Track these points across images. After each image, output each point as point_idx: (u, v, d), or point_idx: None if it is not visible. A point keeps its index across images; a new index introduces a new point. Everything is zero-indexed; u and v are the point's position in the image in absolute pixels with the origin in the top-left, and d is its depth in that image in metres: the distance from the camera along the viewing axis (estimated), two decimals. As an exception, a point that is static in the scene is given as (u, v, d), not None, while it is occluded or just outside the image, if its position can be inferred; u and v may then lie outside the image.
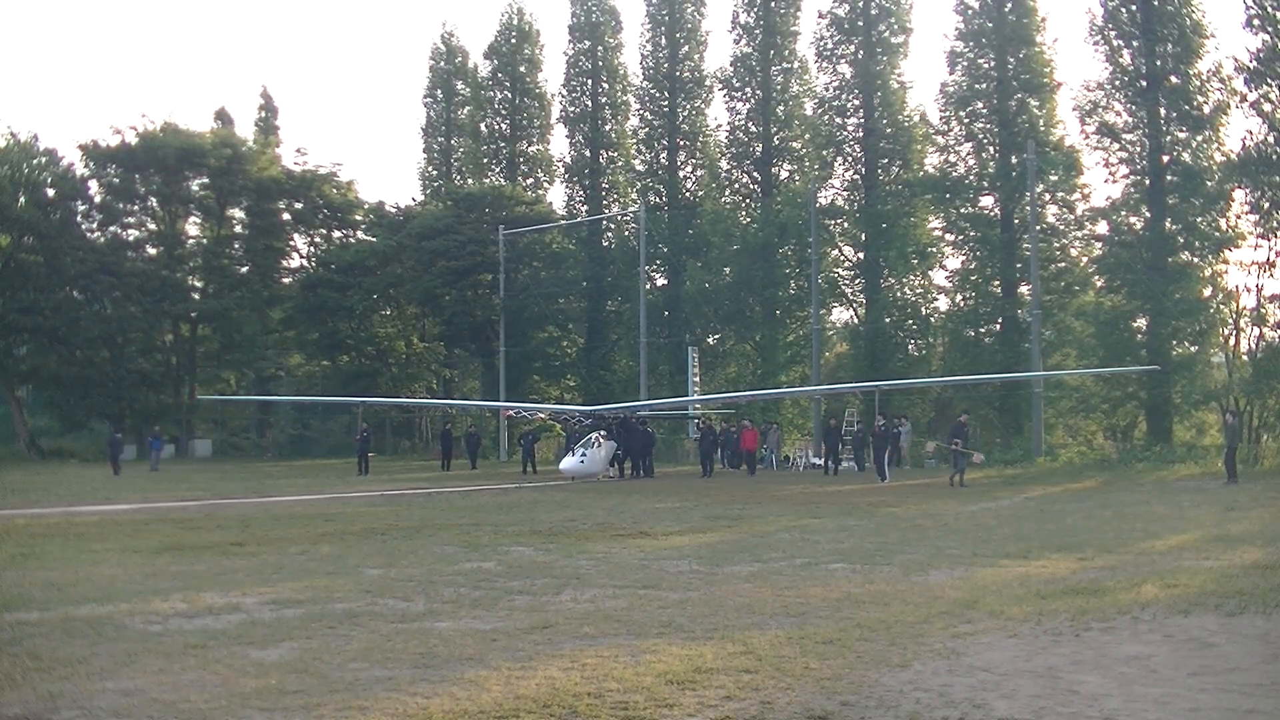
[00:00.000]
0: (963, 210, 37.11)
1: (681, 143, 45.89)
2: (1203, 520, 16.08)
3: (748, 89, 43.28)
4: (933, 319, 39.44)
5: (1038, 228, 33.30)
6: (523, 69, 50.73)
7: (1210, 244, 32.17)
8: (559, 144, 66.09)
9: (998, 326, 36.74)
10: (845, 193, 40.91)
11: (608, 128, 48.10)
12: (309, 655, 7.39)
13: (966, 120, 36.78)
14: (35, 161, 45.56)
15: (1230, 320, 33.48)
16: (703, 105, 45.98)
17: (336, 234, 52.26)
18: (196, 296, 48.13)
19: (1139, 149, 33.01)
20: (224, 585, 10.45)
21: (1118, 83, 33.04)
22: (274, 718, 5.97)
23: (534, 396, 45.34)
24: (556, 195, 66.73)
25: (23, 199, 43.99)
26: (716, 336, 45.06)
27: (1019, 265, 35.17)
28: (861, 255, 40.51)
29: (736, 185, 44.30)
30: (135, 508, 19.95)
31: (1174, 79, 32.24)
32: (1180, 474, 26.58)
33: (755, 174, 43.63)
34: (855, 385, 35.72)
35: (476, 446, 37.67)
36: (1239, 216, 32.05)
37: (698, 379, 39.28)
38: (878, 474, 27.32)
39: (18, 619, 8.80)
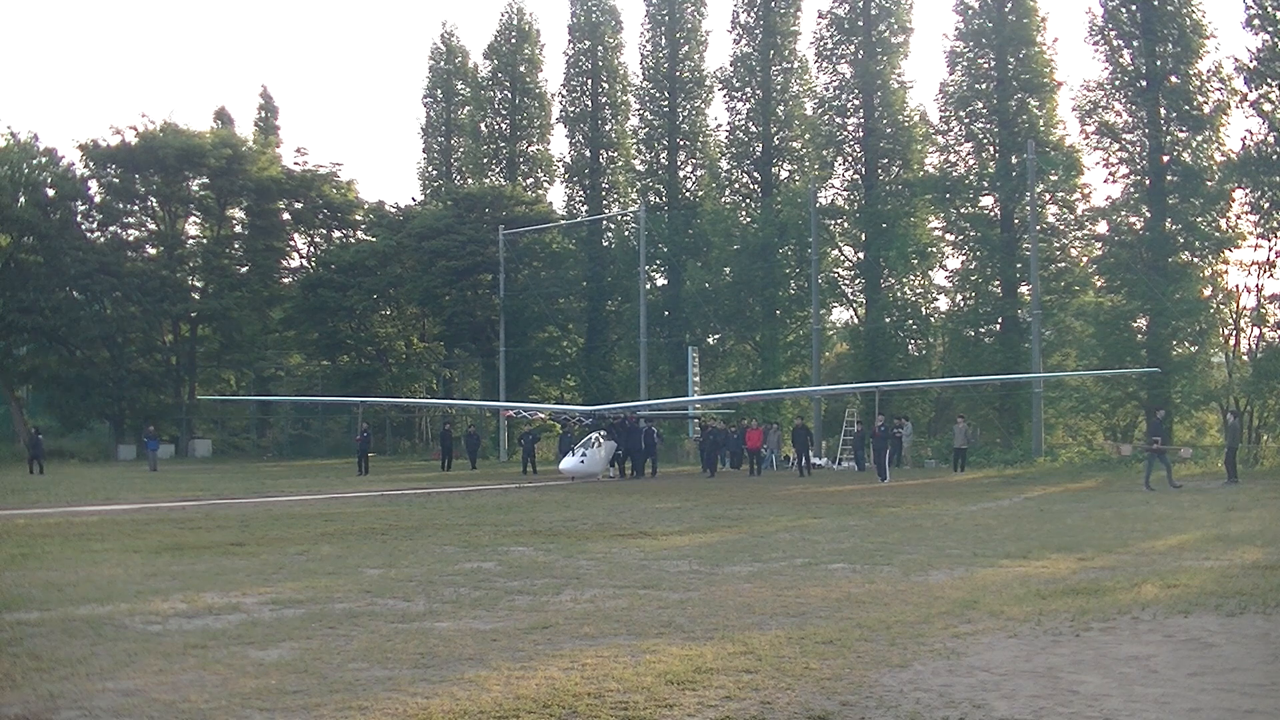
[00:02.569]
0: (963, 210, 37.14)
1: (681, 143, 45.89)
2: (1203, 520, 16.08)
3: (748, 89, 43.28)
4: (933, 319, 39.47)
5: (1038, 228, 33.32)
6: (523, 69, 50.71)
7: (1210, 244, 32.18)
8: (559, 144, 66.19)
9: (998, 326, 36.76)
10: (845, 193, 40.96)
11: (608, 128, 48.10)
12: (309, 655, 7.39)
13: (966, 120, 36.81)
14: (35, 161, 45.51)
15: (1230, 320, 33.51)
16: (703, 105, 45.99)
17: (336, 234, 52.28)
18: (196, 296, 48.07)
19: (1139, 149, 33.03)
20: (224, 585, 10.44)
21: (1118, 83, 33.06)
22: (274, 718, 5.97)
23: (534, 396, 45.34)
24: (556, 195, 66.87)
25: (23, 199, 43.96)
26: (716, 336, 45.08)
27: (1019, 265, 35.18)
28: (861, 255, 40.52)
29: (736, 185, 44.30)
30: (135, 508, 19.94)
31: (1174, 79, 32.25)
32: (1180, 474, 26.55)
33: (755, 174, 43.63)
34: (855, 385, 35.71)
35: (476, 446, 37.66)
36: (1239, 216, 32.10)
37: (698, 379, 39.29)
38: (878, 474, 27.33)
39: (18, 619, 8.79)
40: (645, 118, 46.34)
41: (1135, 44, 32.84)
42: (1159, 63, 32.43)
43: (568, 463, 28.95)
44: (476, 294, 45.51)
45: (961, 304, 38.17)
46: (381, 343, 50.00)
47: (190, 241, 50.33)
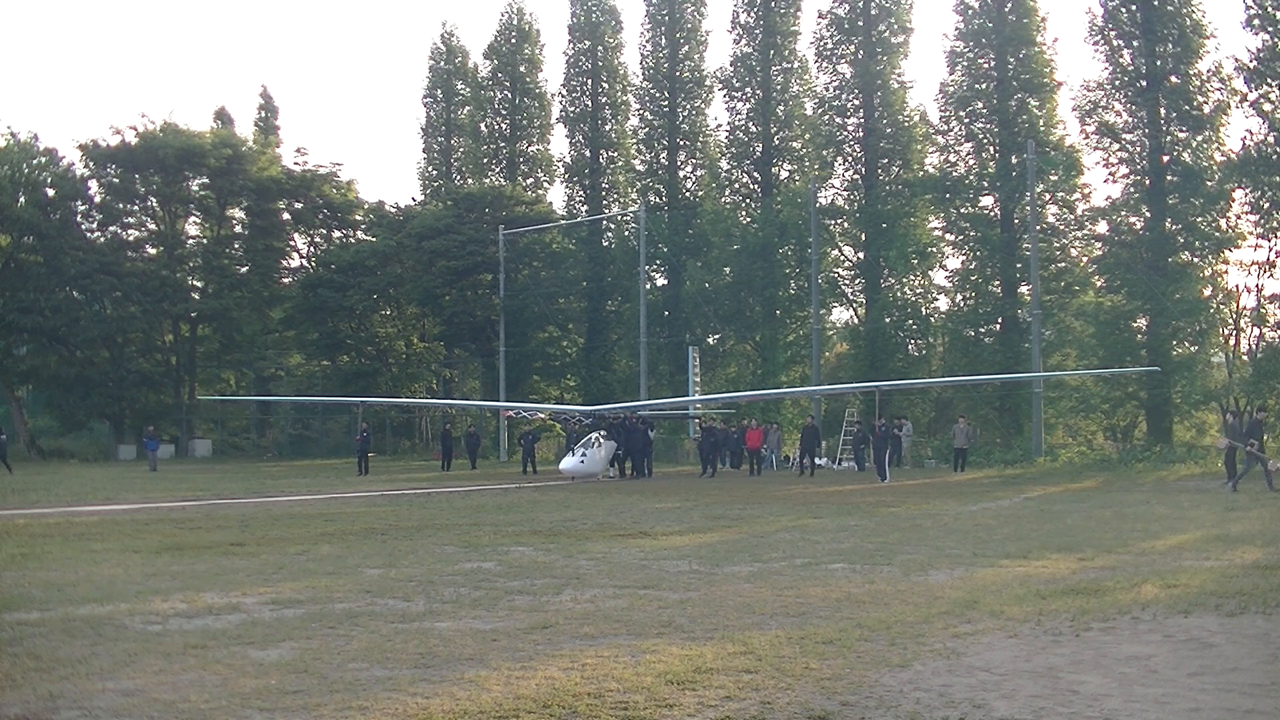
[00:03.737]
0: (963, 210, 37.15)
1: (681, 143, 45.89)
2: (1203, 520, 16.07)
3: (748, 89, 43.28)
4: (933, 319, 39.48)
5: (1038, 228, 33.32)
6: (523, 69, 50.75)
7: (1210, 244, 32.21)
8: (559, 144, 66.18)
9: (998, 326, 36.76)
10: (845, 193, 40.98)
11: (608, 128, 48.10)
12: (309, 655, 7.38)
13: (966, 120, 36.82)
14: (35, 161, 45.54)
15: (1230, 320, 33.53)
16: (703, 105, 45.99)
17: (336, 234, 52.29)
18: (196, 296, 48.11)
19: (1139, 149, 33.05)
20: (224, 585, 10.43)
21: (1118, 83, 33.09)
22: (274, 718, 5.96)
23: (534, 396, 45.35)
24: (556, 195, 66.81)
25: (23, 199, 43.97)
26: (716, 336, 45.09)
27: (1019, 265, 35.18)
28: (861, 255, 40.54)
29: (736, 185, 44.30)
30: (135, 508, 19.94)
31: (1174, 79, 32.28)
32: (1180, 474, 26.58)
33: (755, 174, 43.63)
34: (855, 385, 35.71)
35: (476, 446, 37.66)
36: (1239, 216, 32.14)
37: (698, 379, 39.29)
38: (878, 474, 27.32)
39: (18, 619, 8.78)
40: (645, 118, 46.34)
41: (1135, 44, 32.86)
42: (1159, 63, 32.45)
43: (568, 463, 28.96)
44: (476, 294, 45.53)
45: (961, 304, 38.17)
46: (381, 343, 50.01)
47: (190, 241, 50.37)
